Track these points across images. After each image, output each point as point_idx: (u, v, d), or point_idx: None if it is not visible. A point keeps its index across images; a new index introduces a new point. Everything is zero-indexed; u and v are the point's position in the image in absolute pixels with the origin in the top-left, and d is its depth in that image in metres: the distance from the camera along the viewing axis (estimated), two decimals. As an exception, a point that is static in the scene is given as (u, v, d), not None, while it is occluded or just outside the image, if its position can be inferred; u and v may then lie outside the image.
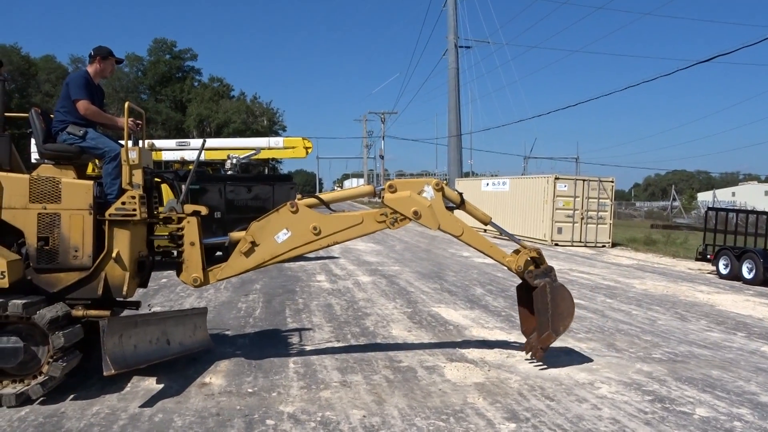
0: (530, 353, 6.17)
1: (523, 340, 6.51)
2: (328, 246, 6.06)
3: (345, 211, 5.96)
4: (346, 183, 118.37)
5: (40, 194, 5.06)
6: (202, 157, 20.51)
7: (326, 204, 6.00)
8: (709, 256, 14.84)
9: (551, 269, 6.01)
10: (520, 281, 6.26)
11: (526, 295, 6.26)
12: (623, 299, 10.49)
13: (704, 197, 64.14)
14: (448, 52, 39.29)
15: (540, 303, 5.88)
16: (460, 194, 6.11)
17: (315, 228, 5.69)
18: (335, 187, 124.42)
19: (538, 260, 5.99)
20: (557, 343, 7.04)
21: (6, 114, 5.48)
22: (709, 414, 4.93)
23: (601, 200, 21.61)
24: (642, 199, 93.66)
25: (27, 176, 5.12)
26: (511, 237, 6.22)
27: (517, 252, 6.08)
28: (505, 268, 6.17)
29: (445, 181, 6.00)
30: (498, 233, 6.57)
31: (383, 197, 5.83)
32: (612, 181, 22.07)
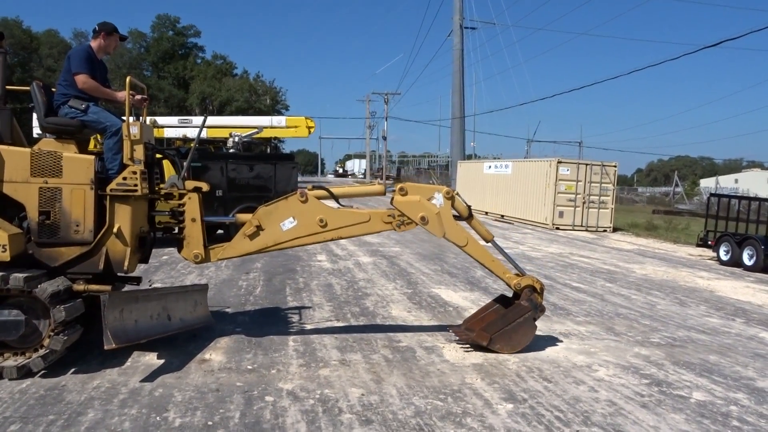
0: (457, 334, 6.24)
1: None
2: (332, 240, 6.08)
3: (354, 207, 5.94)
4: (348, 164, 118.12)
5: (42, 168, 5.05)
6: (204, 135, 20.46)
7: (336, 198, 5.99)
8: (710, 242, 14.86)
9: (543, 309, 6.01)
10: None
11: (501, 301, 6.31)
12: (623, 284, 10.52)
13: (707, 183, 63.96)
14: (453, 33, 38.92)
15: (510, 314, 5.92)
16: (469, 207, 6.10)
17: (321, 220, 5.70)
18: (337, 168, 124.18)
19: (538, 293, 5.97)
20: (556, 326, 7.09)
21: (7, 87, 5.46)
22: (705, 398, 4.96)
23: (603, 185, 21.57)
24: (644, 184, 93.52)
25: (28, 150, 5.11)
26: (510, 258, 6.18)
27: (521, 274, 6.06)
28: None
29: (456, 192, 5.98)
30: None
31: (393, 199, 5.83)
32: (615, 166, 22.01)
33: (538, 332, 6.25)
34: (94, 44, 5.73)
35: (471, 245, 5.95)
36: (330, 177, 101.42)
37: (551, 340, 6.45)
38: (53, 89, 5.65)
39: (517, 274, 6.07)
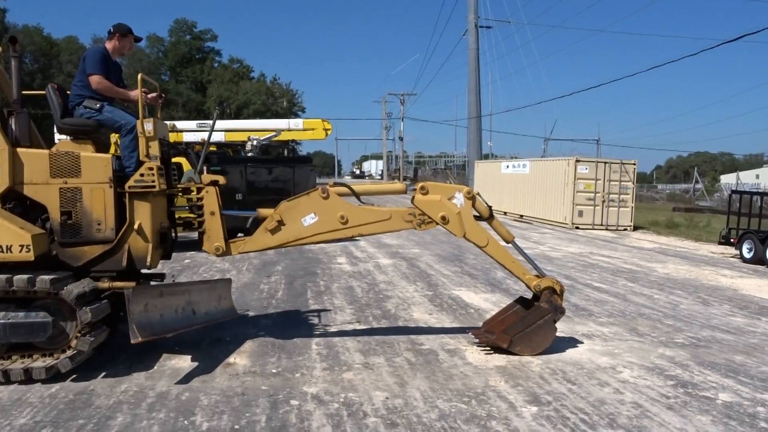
0: (477, 336, 6.24)
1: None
2: (352, 237, 6.11)
3: (374, 205, 5.97)
4: (365, 165, 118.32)
5: (61, 169, 5.16)
6: (223, 139, 20.61)
7: (357, 195, 6.02)
8: (732, 240, 14.66)
9: (563, 311, 5.98)
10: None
11: (521, 303, 6.29)
12: (645, 283, 10.43)
13: (727, 180, 63.14)
14: (468, 33, 38.82)
15: (530, 316, 5.90)
16: (490, 207, 6.09)
17: (342, 217, 5.73)
18: (353, 169, 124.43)
19: (558, 295, 5.95)
20: (579, 327, 7.06)
21: (24, 92, 5.58)
22: (732, 399, 4.91)
23: (622, 183, 21.38)
24: (664, 181, 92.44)
25: (47, 151, 5.22)
26: (530, 260, 6.17)
27: (541, 276, 6.04)
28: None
29: (476, 192, 5.99)
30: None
31: (413, 198, 5.85)
32: (634, 164, 21.81)
33: (560, 333, 6.23)
34: (108, 45, 5.82)
35: (491, 246, 5.95)
36: (347, 178, 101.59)
37: (574, 342, 6.42)
38: (68, 92, 5.76)
39: (537, 276, 6.06)
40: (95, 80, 5.51)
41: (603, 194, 21.17)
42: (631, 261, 13.42)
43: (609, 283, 10.26)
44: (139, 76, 5.50)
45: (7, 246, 4.79)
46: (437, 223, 5.84)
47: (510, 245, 6.15)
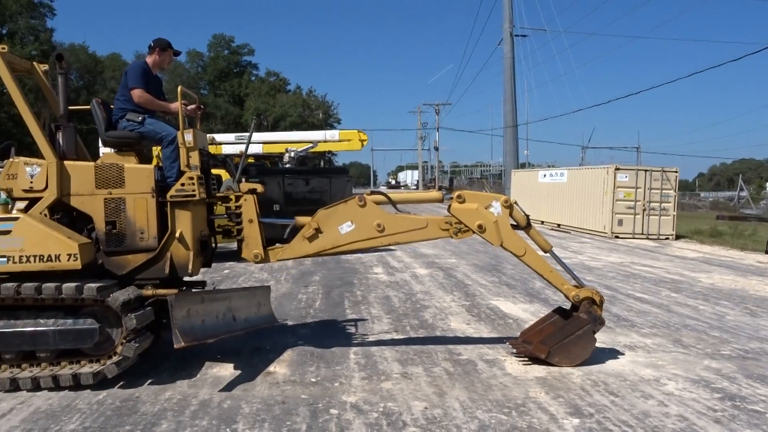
0: (514, 346, 6.17)
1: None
2: (389, 245, 6.14)
3: (411, 213, 5.99)
4: (401, 175, 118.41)
5: (105, 180, 5.33)
6: (261, 151, 20.92)
7: (394, 204, 6.05)
8: (781, 249, 14.20)
9: (603, 322, 5.88)
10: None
11: (559, 313, 6.21)
12: (689, 293, 10.18)
13: (774, 187, 61.16)
14: (504, 42, 38.68)
15: (569, 327, 5.81)
16: (527, 216, 6.05)
17: (379, 225, 5.76)
18: (389, 179, 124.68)
19: (597, 306, 5.86)
20: (621, 338, 6.92)
21: (71, 107, 5.79)
22: (783, 414, 4.76)
23: (664, 191, 20.92)
24: (707, 189, 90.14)
25: (92, 164, 5.41)
26: (569, 269, 6.09)
27: (580, 286, 5.97)
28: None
29: (514, 201, 5.96)
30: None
31: (450, 206, 5.85)
32: (676, 171, 21.34)
33: (601, 344, 6.14)
34: (149, 60, 6.02)
35: (529, 255, 5.90)
36: (382, 188, 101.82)
37: (616, 353, 6.31)
38: (111, 106, 5.95)
39: (576, 286, 5.98)
40: (137, 94, 5.69)
41: (643, 203, 20.77)
42: (673, 271, 13.11)
43: (651, 294, 10.05)
44: (179, 89, 5.65)
45: (55, 255, 4.95)
46: (474, 232, 5.82)
47: (548, 254, 6.09)
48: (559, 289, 6.00)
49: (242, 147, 22.59)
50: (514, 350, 6.16)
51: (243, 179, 6.06)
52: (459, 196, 5.90)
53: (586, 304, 5.82)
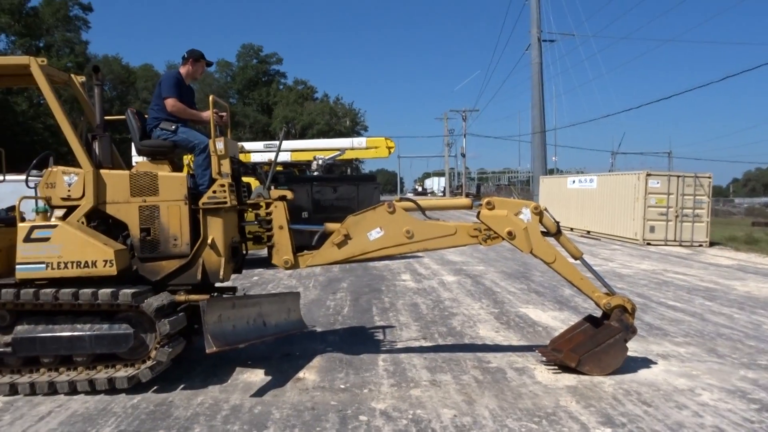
0: (544, 354, 6.10)
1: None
2: (417, 251, 6.14)
3: (440, 220, 6.00)
4: (427, 182, 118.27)
5: (140, 188, 5.45)
6: (289, 158, 21.11)
7: (422, 210, 6.07)
8: (819, 257, 13.82)
9: (635, 330, 5.81)
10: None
11: (589, 321, 6.13)
12: (724, 302, 9.97)
13: (813, 193, 59.51)
14: (531, 47, 38.46)
15: (600, 335, 5.74)
16: (557, 223, 6.01)
17: (408, 231, 5.77)
18: (416, 186, 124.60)
19: (629, 314, 5.78)
20: (653, 346, 6.81)
21: (106, 117, 5.93)
22: (823, 426, 4.63)
23: (697, 197, 20.54)
24: (741, 195, 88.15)
25: (127, 172, 5.54)
26: (599, 277, 6.02)
27: (611, 294, 5.91)
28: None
29: (544, 207, 5.92)
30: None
31: (479, 213, 5.84)
32: (709, 177, 20.92)
33: (633, 353, 6.05)
34: (182, 70, 6.14)
35: (559, 262, 5.85)
36: (409, 195, 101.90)
37: (648, 362, 6.21)
38: (146, 116, 6.09)
39: (607, 294, 5.91)
40: (170, 103, 5.81)
41: (676, 209, 20.41)
42: (707, 278, 12.85)
43: (684, 302, 9.86)
44: (211, 98, 5.75)
45: (92, 261, 5.08)
46: (503, 239, 5.79)
47: (578, 262, 6.03)
48: (590, 297, 5.93)
49: (271, 155, 22.85)
50: (544, 358, 6.11)
51: (273, 187, 6.14)
52: (488, 203, 5.88)
53: (617, 313, 5.75)
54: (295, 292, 6.90)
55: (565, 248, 6.02)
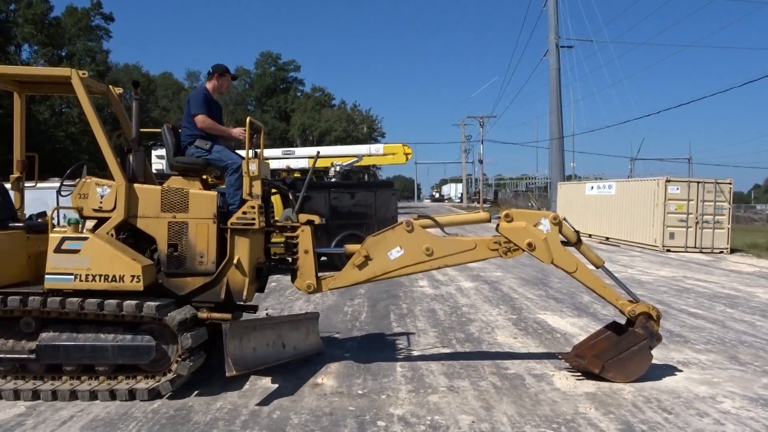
0: (567, 360, 6.08)
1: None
2: (439, 268, 6.12)
3: (459, 235, 6.00)
4: (444, 188, 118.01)
5: (171, 204, 5.49)
6: (308, 165, 21.27)
7: (441, 227, 6.08)
8: None
9: (660, 338, 5.76)
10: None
11: (613, 328, 6.11)
12: (745, 309, 9.83)
13: (837, 198, 58.42)
14: (549, 53, 38.30)
15: (624, 342, 5.70)
16: (577, 232, 5.99)
17: (428, 249, 5.78)
18: (433, 192, 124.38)
19: (654, 321, 5.74)
20: (674, 354, 6.75)
21: (142, 130, 6.00)
22: None
23: (717, 203, 20.29)
24: (763, 201, 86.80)
25: (159, 188, 5.57)
26: (622, 284, 5.98)
27: (635, 301, 5.87)
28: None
29: (563, 217, 5.90)
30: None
31: (498, 225, 5.84)
32: (730, 183, 20.67)
33: (654, 360, 5.97)
34: (209, 85, 6.20)
35: (581, 271, 5.82)
36: (426, 202, 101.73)
37: (669, 369, 6.15)
38: (180, 130, 6.15)
39: (631, 301, 5.86)
40: (200, 120, 5.86)
41: (696, 215, 20.18)
42: (729, 285, 12.69)
43: (705, 309, 9.75)
44: (248, 120, 5.78)
45: (119, 276, 5.13)
46: (524, 250, 5.78)
47: (600, 270, 6.00)
48: (613, 305, 5.89)
49: (288, 162, 23.01)
50: (567, 364, 6.08)
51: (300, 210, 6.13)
52: (507, 215, 5.87)
53: (642, 319, 5.70)
54: (313, 313, 6.89)
55: (585, 257, 6.00)
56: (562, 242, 5.86)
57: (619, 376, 5.64)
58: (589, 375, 5.74)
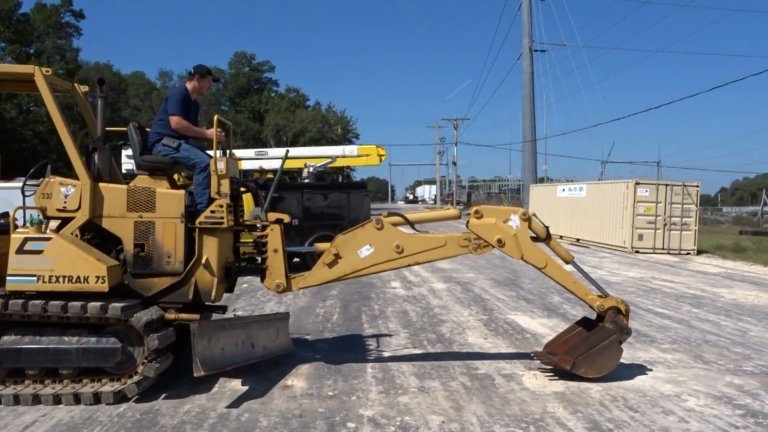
0: (539, 358, 6.17)
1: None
2: (409, 266, 6.12)
3: (429, 232, 6.01)
4: (418, 190, 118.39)
5: (137, 203, 5.40)
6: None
7: (411, 224, 6.08)
8: (805, 265, 13.97)
9: (629, 331, 5.83)
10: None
11: (584, 323, 6.17)
12: (711, 309, 10.04)
13: (800, 202, 59.93)
14: (523, 57, 38.70)
15: (594, 337, 5.76)
16: (546, 228, 6.04)
17: (398, 246, 5.78)
18: (407, 194, 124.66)
19: (623, 315, 5.82)
20: (641, 353, 6.86)
21: (108, 128, 5.89)
22: (807, 431, 4.67)
23: (685, 206, 20.72)
24: (729, 204, 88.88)
25: (125, 187, 5.48)
26: (592, 280, 6.06)
27: (604, 296, 5.94)
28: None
29: (532, 213, 5.95)
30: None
31: (468, 222, 5.86)
32: (697, 186, 21.11)
33: (621, 360, 6.07)
34: (189, 86, 6.12)
35: (550, 267, 5.87)
36: (400, 203, 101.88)
37: (636, 368, 6.24)
38: (147, 129, 6.05)
39: (600, 296, 5.94)
40: (174, 120, 5.77)
41: (664, 217, 20.57)
42: (695, 286, 12.95)
43: (672, 309, 9.93)
44: (215, 117, 5.72)
45: (84, 277, 5.01)
46: (494, 247, 5.81)
47: (569, 266, 6.06)
48: (583, 300, 5.95)
49: (261, 162, 22.83)
50: (536, 364, 6.12)
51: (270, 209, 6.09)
52: (476, 212, 5.90)
53: (611, 314, 5.78)
54: (284, 313, 6.85)
55: (555, 252, 6.05)
56: (532, 238, 5.90)
57: (590, 372, 5.70)
58: (562, 373, 5.79)
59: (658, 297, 11.20)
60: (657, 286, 12.68)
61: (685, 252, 20.56)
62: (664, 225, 20.58)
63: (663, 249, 20.52)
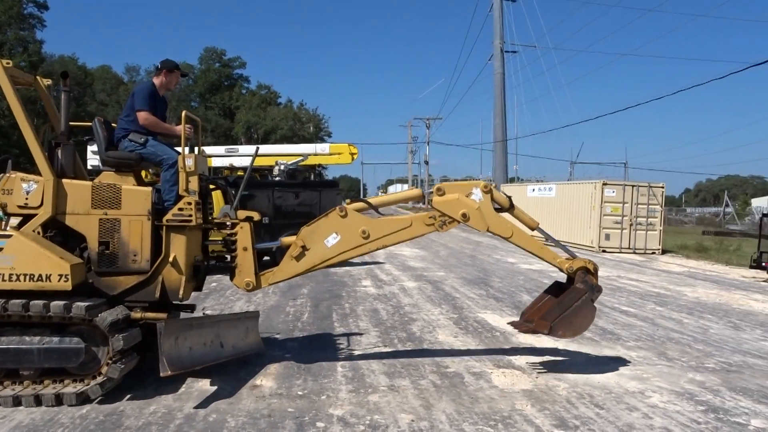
0: (516, 327, 6.25)
1: (571, 347, 6.43)
2: (377, 249, 6.09)
3: (393, 215, 6.01)
4: (391, 188, 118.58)
5: (102, 200, 5.28)
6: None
7: (375, 208, 6.07)
8: (764, 264, 14.39)
9: (600, 289, 5.90)
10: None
11: (556, 288, 6.22)
12: (674, 307, 10.27)
13: (759, 203, 61.67)
14: (494, 57, 39.09)
15: (567, 299, 5.79)
16: (509, 197, 6.08)
17: (364, 232, 5.76)
18: (379, 193, 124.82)
19: (592, 274, 5.90)
20: (606, 350, 6.97)
21: (71, 123, 5.75)
22: (764, 425, 4.81)
23: (650, 206, 21.15)
24: (693, 204, 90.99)
25: (90, 183, 5.36)
26: (558, 243, 6.14)
27: (572, 258, 6.01)
28: (555, 268, 6.08)
29: (493, 184, 5.98)
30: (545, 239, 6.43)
31: (431, 200, 5.88)
32: (662, 187, 21.57)
33: (587, 357, 6.17)
34: (156, 81, 6.00)
35: (516, 235, 5.91)
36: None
37: (601, 365, 6.35)
38: (113, 125, 5.93)
39: (569, 258, 6.01)
40: (142, 116, 5.66)
41: (630, 218, 20.95)
42: (659, 285, 13.22)
43: (637, 307, 10.12)
44: (183, 113, 5.62)
45: (46, 275, 4.88)
46: (459, 222, 5.82)
47: (535, 231, 6.12)
48: (552, 264, 6.01)
49: (231, 160, 22.56)
50: (518, 331, 6.13)
51: (239, 205, 6.01)
52: (438, 189, 5.93)
53: (581, 274, 5.85)
54: (254, 312, 6.79)
55: (520, 220, 6.09)
56: (496, 209, 5.94)
57: (567, 333, 5.72)
58: (541, 336, 5.64)
59: (623, 295, 11.41)
60: (623, 285, 12.92)
61: (651, 251, 20.99)
62: (630, 225, 20.97)
63: (629, 248, 20.91)
